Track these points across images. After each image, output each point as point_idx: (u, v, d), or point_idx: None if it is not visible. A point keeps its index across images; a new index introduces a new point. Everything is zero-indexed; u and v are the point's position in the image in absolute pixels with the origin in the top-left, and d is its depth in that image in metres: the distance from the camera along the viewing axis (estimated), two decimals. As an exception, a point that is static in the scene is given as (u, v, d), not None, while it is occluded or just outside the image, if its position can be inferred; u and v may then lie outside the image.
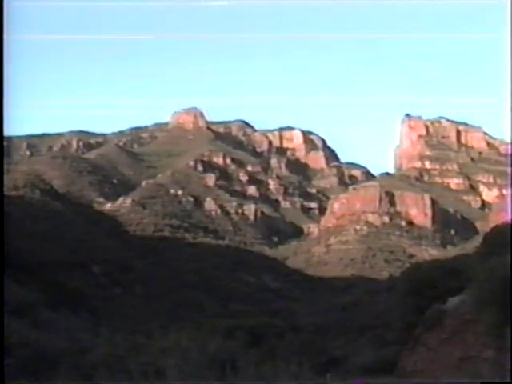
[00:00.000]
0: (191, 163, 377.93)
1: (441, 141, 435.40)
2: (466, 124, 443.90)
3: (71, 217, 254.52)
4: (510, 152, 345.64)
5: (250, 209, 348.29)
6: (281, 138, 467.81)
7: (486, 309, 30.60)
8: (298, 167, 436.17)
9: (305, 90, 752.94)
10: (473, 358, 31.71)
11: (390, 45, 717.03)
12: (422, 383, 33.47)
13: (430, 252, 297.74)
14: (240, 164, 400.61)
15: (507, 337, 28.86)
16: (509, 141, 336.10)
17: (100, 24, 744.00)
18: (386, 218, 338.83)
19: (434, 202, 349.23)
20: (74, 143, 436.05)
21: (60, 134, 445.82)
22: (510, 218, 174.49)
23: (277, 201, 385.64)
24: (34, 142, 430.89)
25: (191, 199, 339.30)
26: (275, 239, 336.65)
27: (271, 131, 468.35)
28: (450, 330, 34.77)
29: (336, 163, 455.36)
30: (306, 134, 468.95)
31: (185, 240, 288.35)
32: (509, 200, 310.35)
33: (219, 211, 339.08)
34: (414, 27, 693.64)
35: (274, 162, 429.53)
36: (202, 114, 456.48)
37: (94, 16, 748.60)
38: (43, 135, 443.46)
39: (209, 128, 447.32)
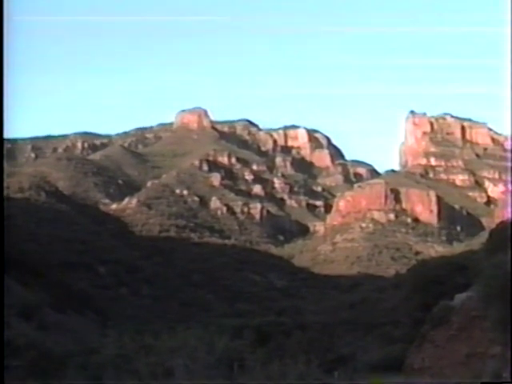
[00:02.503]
0: (196, 163, 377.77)
1: (445, 137, 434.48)
2: (470, 120, 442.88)
3: (77, 218, 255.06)
4: (510, 147, 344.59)
5: (255, 208, 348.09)
6: (285, 136, 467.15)
7: (493, 304, 30.60)
8: (303, 165, 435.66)
9: (309, 85, 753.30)
10: (480, 355, 31.70)
11: (393, 39, 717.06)
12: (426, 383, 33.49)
13: (436, 249, 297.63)
14: (245, 163, 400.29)
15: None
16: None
17: (107, 10, 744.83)
18: (392, 216, 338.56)
19: (439, 199, 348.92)
20: (79, 144, 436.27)
21: (64, 136, 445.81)
22: (509, 215, 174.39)
23: (282, 199, 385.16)
24: (39, 143, 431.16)
25: (197, 199, 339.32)
26: (281, 238, 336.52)
27: (276, 130, 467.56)
28: (457, 327, 34.77)
29: (341, 161, 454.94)
30: (311, 133, 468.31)
31: (191, 240, 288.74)
32: (508, 197, 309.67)
33: (225, 211, 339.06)
34: (418, 21, 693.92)
35: (279, 160, 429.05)
36: (206, 114, 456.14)
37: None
38: (48, 137, 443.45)
39: (213, 127, 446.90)
